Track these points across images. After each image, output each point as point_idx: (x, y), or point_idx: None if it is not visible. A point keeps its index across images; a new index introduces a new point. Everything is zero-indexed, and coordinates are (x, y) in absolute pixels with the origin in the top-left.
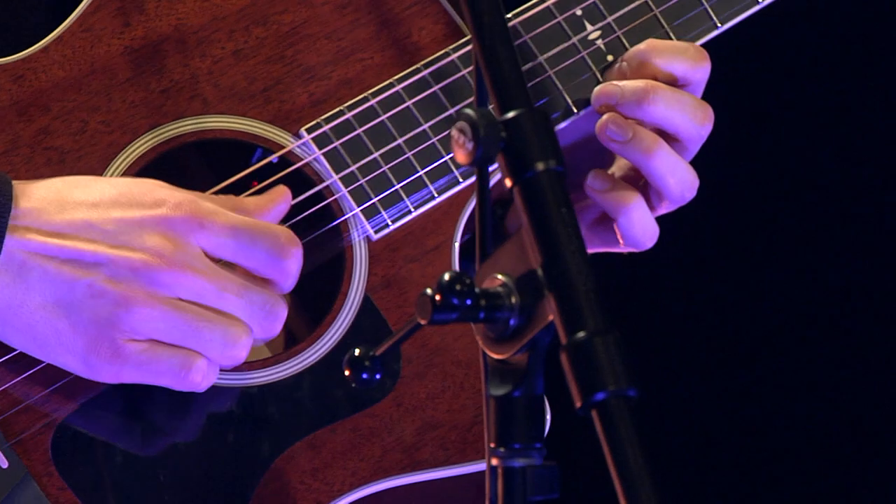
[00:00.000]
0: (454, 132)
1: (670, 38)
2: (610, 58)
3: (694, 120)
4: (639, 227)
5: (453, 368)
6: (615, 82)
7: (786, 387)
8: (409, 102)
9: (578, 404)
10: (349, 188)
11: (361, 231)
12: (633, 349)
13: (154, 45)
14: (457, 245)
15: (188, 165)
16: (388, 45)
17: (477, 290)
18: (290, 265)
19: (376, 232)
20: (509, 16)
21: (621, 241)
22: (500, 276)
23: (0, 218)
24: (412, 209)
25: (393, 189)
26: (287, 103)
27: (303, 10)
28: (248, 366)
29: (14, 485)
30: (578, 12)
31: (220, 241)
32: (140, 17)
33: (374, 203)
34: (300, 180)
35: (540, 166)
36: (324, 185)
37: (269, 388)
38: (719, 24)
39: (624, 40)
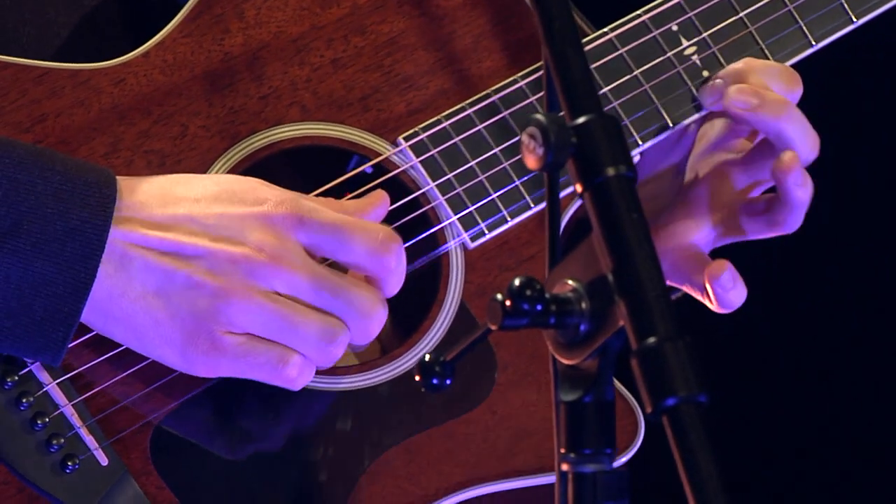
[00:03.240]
0: (524, 137)
1: (765, 56)
2: (706, 73)
3: (809, 146)
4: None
5: (549, 377)
6: (756, 89)
7: (877, 396)
8: (505, 112)
9: (649, 410)
10: (446, 196)
11: (458, 239)
12: (705, 355)
13: (253, 52)
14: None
15: (286, 171)
16: (485, 56)
17: (547, 295)
18: (390, 261)
19: (472, 240)
20: (606, 30)
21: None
22: (570, 282)
23: (104, 209)
24: (508, 219)
25: (490, 198)
26: (384, 112)
27: (401, 20)
28: (343, 370)
29: (113, 483)
30: (674, 27)
31: (319, 237)
32: (239, 23)
33: (470, 212)
34: (397, 188)
35: (610, 171)
36: (420, 192)
37: (364, 392)
38: (814, 42)
39: (719, 56)
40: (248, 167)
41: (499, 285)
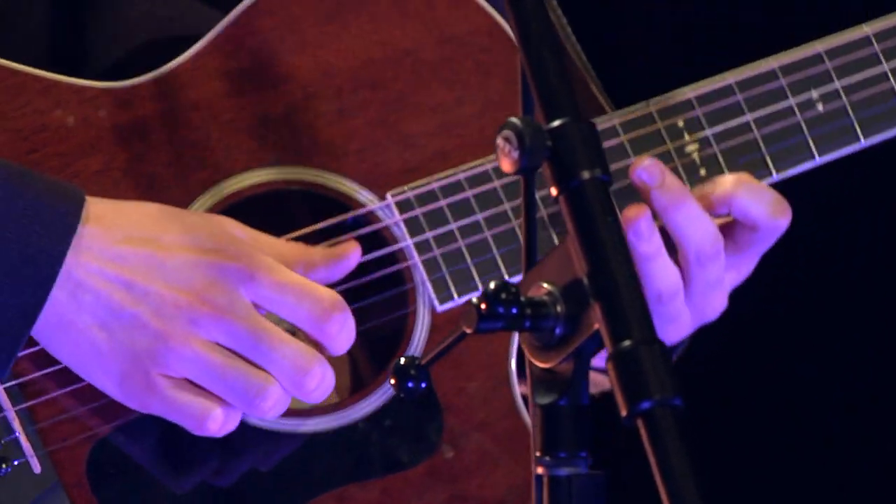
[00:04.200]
0: (499, 140)
1: (766, 163)
2: (703, 172)
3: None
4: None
5: (492, 445)
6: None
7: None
8: (496, 183)
9: (624, 413)
10: (423, 257)
11: (427, 300)
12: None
13: (260, 91)
14: (515, 337)
15: (276, 211)
16: (488, 124)
17: (522, 298)
18: (332, 328)
19: (441, 303)
20: (613, 114)
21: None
22: (545, 285)
23: (64, 240)
24: (480, 287)
25: (465, 265)
26: (380, 166)
27: (413, 79)
28: (292, 413)
29: (42, 491)
30: (680, 123)
31: (267, 294)
32: (251, 63)
33: (443, 275)
34: (378, 242)
35: (585, 175)
36: (397, 247)
37: (309, 436)
38: (817, 156)
39: (720, 158)
40: (235, 202)
41: (461, 350)
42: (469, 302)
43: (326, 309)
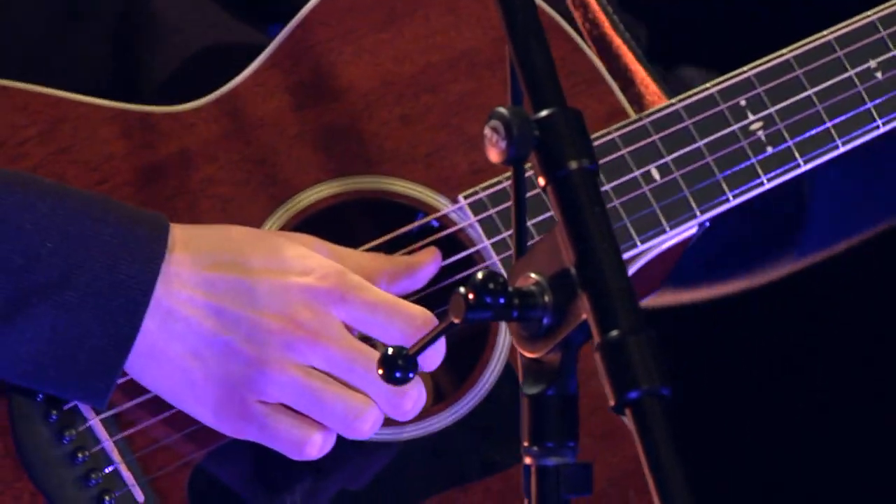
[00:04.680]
0: (487, 130)
1: (831, 136)
2: (769, 149)
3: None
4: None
5: (587, 441)
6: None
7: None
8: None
9: (612, 403)
10: (501, 256)
11: None
12: (669, 349)
13: (323, 105)
14: None
15: (348, 221)
16: None
17: (510, 288)
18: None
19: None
20: (673, 101)
21: None
22: (533, 275)
23: (152, 266)
24: None
25: None
26: (447, 170)
27: (472, 81)
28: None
29: None
30: (742, 102)
31: (358, 315)
32: (311, 76)
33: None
34: (455, 245)
35: (573, 165)
36: (475, 249)
37: (402, 444)
38: (881, 125)
39: (785, 133)
40: (310, 215)
41: None
42: (457, 292)
43: (419, 327)
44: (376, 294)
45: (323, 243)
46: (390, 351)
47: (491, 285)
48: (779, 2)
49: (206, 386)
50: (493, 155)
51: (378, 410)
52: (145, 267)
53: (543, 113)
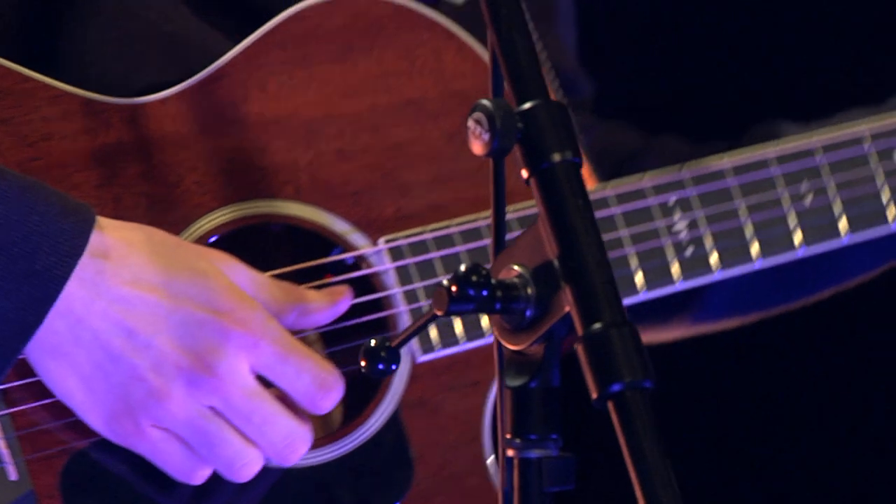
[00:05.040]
0: (470, 122)
1: (747, 249)
2: (689, 251)
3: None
4: None
5: (459, 500)
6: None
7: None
8: (487, 241)
9: (595, 396)
10: (410, 306)
11: (409, 349)
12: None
13: (265, 123)
14: (492, 394)
15: (265, 244)
16: (483, 182)
17: (493, 280)
18: (324, 404)
19: (423, 353)
20: (606, 186)
21: None
22: (516, 268)
23: (68, 260)
24: (462, 341)
25: (449, 319)
26: (374, 211)
27: (415, 128)
28: None
29: (15, 499)
30: (672, 200)
31: (269, 363)
32: (259, 93)
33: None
34: (365, 286)
35: (556, 157)
36: (385, 293)
37: (282, 472)
38: (797, 249)
39: (704, 241)
40: (230, 231)
41: (438, 402)
42: (440, 285)
43: (323, 388)
44: (289, 345)
45: (242, 268)
46: (373, 342)
47: (474, 278)
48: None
49: (104, 398)
50: (477, 147)
51: (262, 458)
52: (62, 261)
53: (527, 105)
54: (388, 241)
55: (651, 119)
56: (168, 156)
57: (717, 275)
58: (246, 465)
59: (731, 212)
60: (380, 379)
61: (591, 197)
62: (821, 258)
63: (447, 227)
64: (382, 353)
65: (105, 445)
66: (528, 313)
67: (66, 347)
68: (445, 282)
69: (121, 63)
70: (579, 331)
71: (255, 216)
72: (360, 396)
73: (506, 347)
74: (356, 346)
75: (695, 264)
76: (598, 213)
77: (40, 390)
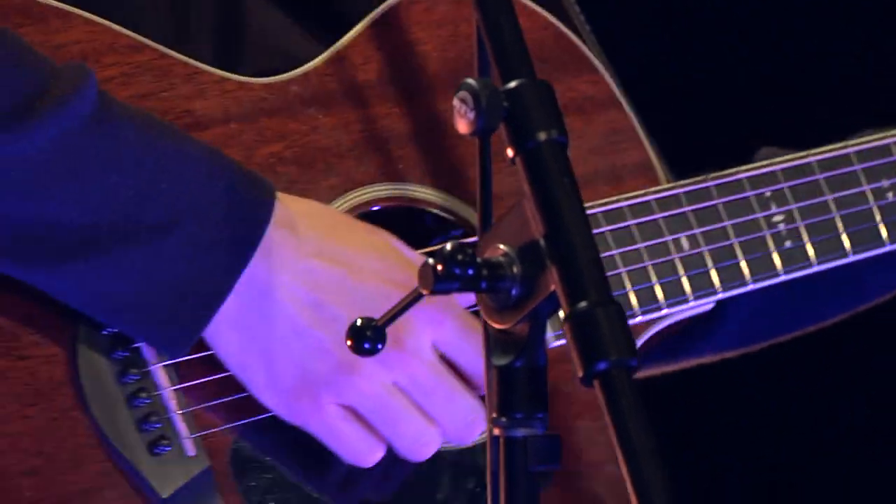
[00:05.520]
0: (455, 101)
1: (842, 244)
2: (787, 244)
3: None
4: None
5: (601, 487)
6: None
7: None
8: (658, 215)
9: (581, 374)
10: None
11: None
12: None
13: (392, 105)
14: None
15: (398, 226)
16: (596, 163)
17: (479, 259)
18: None
19: (556, 339)
20: (708, 177)
21: None
22: (501, 246)
23: (257, 229)
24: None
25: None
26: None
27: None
28: None
29: (193, 475)
30: (768, 193)
31: (452, 340)
32: (390, 73)
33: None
34: None
35: (542, 136)
36: None
37: (440, 454)
38: (887, 243)
39: (803, 233)
40: (364, 213)
41: (571, 390)
42: (426, 262)
43: None
44: (471, 323)
45: (411, 250)
46: (359, 322)
47: (459, 256)
48: None
49: (284, 374)
50: (462, 126)
51: (441, 437)
52: (249, 231)
53: (512, 84)
54: None
55: (662, 107)
56: (300, 136)
57: (815, 267)
58: (427, 444)
59: (823, 206)
60: None
61: (692, 188)
62: (839, 278)
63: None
64: (368, 333)
65: (271, 424)
66: (513, 292)
67: (249, 319)
68: (431, 260)
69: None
70: (565, 310)
71: (389, 198)
72: None
73: (491, 326)
74: None
75: (795, 256)
76: (701, 205)
77: (211, 365)
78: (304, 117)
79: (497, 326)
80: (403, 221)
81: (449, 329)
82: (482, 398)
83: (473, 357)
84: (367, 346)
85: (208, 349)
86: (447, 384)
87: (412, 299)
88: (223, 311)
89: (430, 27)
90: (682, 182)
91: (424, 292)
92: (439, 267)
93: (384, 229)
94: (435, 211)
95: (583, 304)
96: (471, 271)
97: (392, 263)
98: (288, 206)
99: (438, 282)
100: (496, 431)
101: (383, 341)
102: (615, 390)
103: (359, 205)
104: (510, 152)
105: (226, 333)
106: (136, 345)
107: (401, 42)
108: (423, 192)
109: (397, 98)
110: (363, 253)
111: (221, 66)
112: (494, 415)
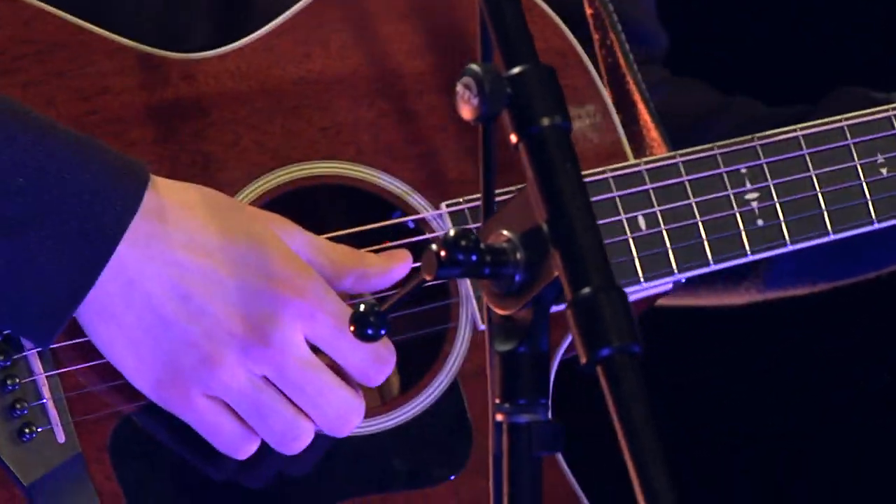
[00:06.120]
0: (459, 87)
1: (824, 222)
2: (759, 222)
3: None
4: None
5: None
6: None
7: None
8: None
9: (584, 360)
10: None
11: (470, 316)
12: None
13: (327, 83)
14: (558, 357)
15: (323, 206)
16: None
17: (482, 245)
18: (380, 377)
19: (484, 321)
20: (675, 153)
21: None
22: (505, 232)
23: (124, 218)
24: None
25: None
26: (437, 175)
27: None
28: None
29: (63, 461)
30: (743, 170)
31: (324, 334)
32: (321, 51)
33: None
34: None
35: (545, 122)
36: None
37: (336, 441)
38: (875, 222)
39: (779, 209)
40: (287, 192)
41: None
42: (429, 248)
43: (378, 361)
44: (346, 317)
45: (299, 231)
46: (362, 307)
47: (463, 242)
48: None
49: (153, 364)
50: (466, 112)
51: (313, 430)
52: (116, 221)
53: (515, 70)
54: (449, 206)
55: (727, 78)
56: (226, 113)
57: (789, 247)
58: (298, 438)
59: (805, 182)
60: (438, 347)
61: (659, 164)
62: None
63: (508, 191)
64: (371, 318)
65: (154, 410)
66: (517, 278)
67: (117, 310)
68: (434, 246)
69: (176, 20)
70: (568, 296)
71: (313, 177)
72: (417, 365)
73: (495, 312)
74: (413, 313)
75: (766, 235)
76: (667, 182)
77: (90, 351)
78: (231, 94)
79: (500, 312)
80: (340, 201)
81: (321, 324)
82: (358, 390)
83: (346, 351)
84: (370, 332)
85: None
86: (318, 377)
87: (414, 286)
88: (91, 299)
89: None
90: (647, 158)
91: (428, 278)
92: (443, 253)
93: (284, 215)
94: (371, 191)
95: (586, 289)
96: (474, 257)
97: (269, 256)
98: (161, 196)
99: (442, 267)
100: (499, 418)
101: (387, 326)
102: (618, 376)
103: (282, 184)
104: (513, 138)
105: (95, 321)
106: (6, 332)
107: (345, 16)
108: (357, 171)
109: (332, 77)
110: (237, 244)
111: (221, 41)
112: (498, 401)
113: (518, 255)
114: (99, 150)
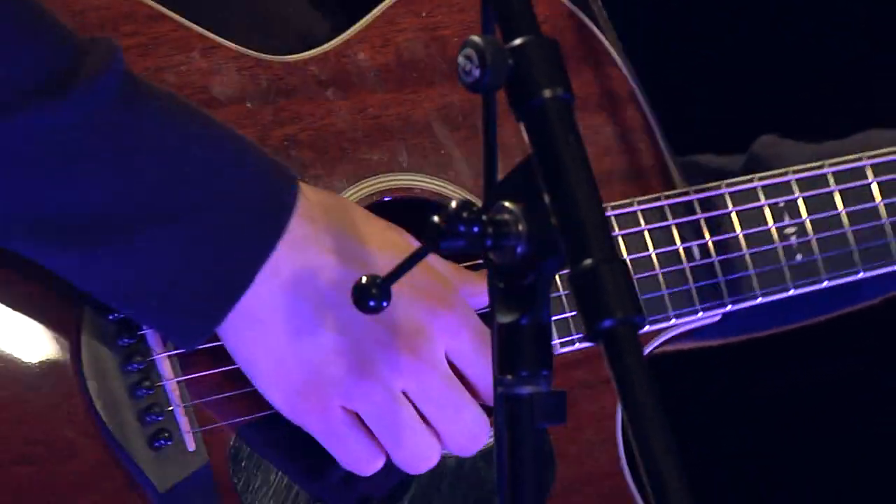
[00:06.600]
0: (460, 59)
1: (853, 261)
2: (799, 257)
3: None
4: None
5: (595, 500)
6: None
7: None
8: (672, 221)
9: (586, 332)
10: (558, 293)
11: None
12: None
13: (407, 93)
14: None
15: (413, 218)
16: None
17: (484, 217)
18: None
19: (560, 347)
20: (721, 183)
21: None
22: (507, 204)
23: (283, 214)
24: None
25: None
26: None
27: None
28: None
29: (193, 470)
30: (781, 203)
31: (465, 351)
32: (406, 60)
33: (567, 318)
34: None
35: (547, 93)
36: None
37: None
38: None
39: (814, 246)
40: (376, 203)
41: (573, 398)
42: (430, 220)
43: None
44: (485, 335)
45: (437, 256)
46: (364, 279)
47: (465, 214)
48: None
49: (294, 372)
50: (467, 84)
51: (441, 452)
52: (275, 220)
53: (517, 41)
54: None
55: (710, 77)
56: (316, 120)
57: (825, 283)
58: (427, 459)
59: (835, 219)
60: None
61: (707, 194)
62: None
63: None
64: (374, 290)
65: (272, 423)
66: (519, 250)
67: (265, 313)
68: (436, 218)
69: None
70: (570, 267)
71: (406, 188)
72: None
73: (496, 284)
74: None
75: (805, 271)
76: (716, 213)
77: (216, 357)
78: (320, 99)
79: (502, 284)
80: (416, 214)
81: (465, 340)
82: (488, 410)
83: (483, 370)
84: (371, 303)
85: (216, 340)
86: (456, 396)
87: (416, 256)
88: (240, 303)
89: (451, 12)
90: (696, 187)
91: (430, 249)
92: (444, 224)
93: (394, 223)
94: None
95: (587, 261)
96: (476, 229)
97: (417, 267)
98: (308, 197)
99: (443, 239)
100: (500, 390)
101: (388, 299)
102: (620, 348)
103: (371, 194)
104: (515, 111)
105: (238, 325)
106: (141, 332)
107: (421, 26)
108: (438, 185)
109: (415, 84)
110: (382, 252)
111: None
112: (499, 373)
113: (520, 227)
114: (254, 146)
